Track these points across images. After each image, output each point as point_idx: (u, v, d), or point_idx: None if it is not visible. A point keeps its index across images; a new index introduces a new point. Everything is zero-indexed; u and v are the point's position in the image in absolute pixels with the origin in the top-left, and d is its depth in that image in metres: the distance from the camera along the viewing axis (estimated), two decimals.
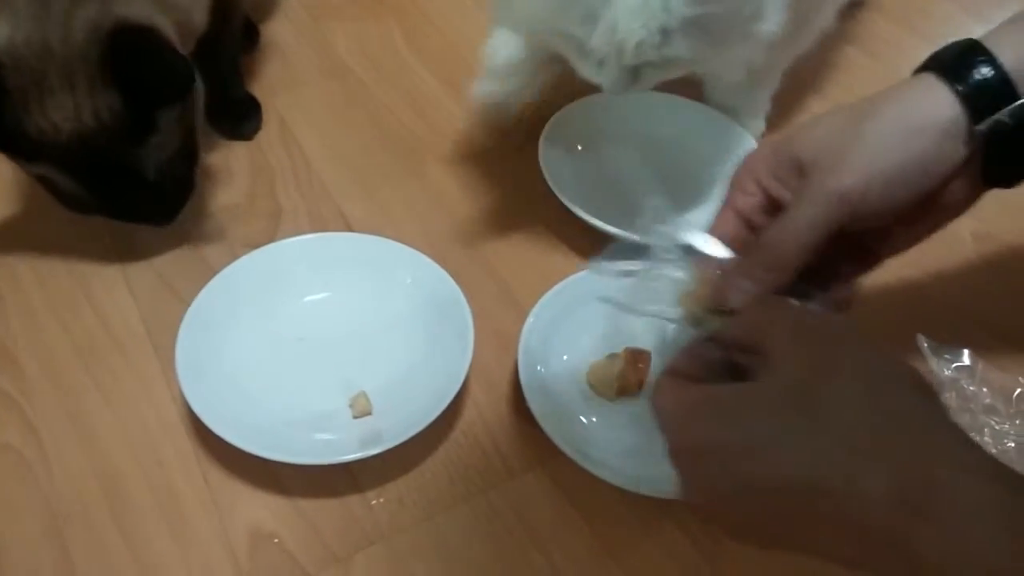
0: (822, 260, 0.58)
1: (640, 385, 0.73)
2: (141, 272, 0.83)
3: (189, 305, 0.75)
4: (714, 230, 0.61)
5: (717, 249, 0.60)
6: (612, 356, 0.74)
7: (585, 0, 0.69)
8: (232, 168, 0.93)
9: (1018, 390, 0.74)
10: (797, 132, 0.60)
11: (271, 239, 0.82)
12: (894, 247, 0.62)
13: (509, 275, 0.83)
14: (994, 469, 0.43)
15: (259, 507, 0.68)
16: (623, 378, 0.72)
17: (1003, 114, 0.57)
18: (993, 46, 0.58)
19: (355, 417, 0.71)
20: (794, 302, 0.57)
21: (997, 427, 0.72)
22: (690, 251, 0.60)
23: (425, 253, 0.80)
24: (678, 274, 0.59)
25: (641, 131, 0.95)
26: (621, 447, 0.69)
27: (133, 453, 0.70)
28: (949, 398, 0.72)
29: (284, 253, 0.80)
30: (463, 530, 0.67)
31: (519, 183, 0.91)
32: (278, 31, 1.10)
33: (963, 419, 0.71)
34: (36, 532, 0.66)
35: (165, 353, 0.74)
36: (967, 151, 0.58)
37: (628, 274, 0.61)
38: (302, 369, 0.74)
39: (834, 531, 0.44)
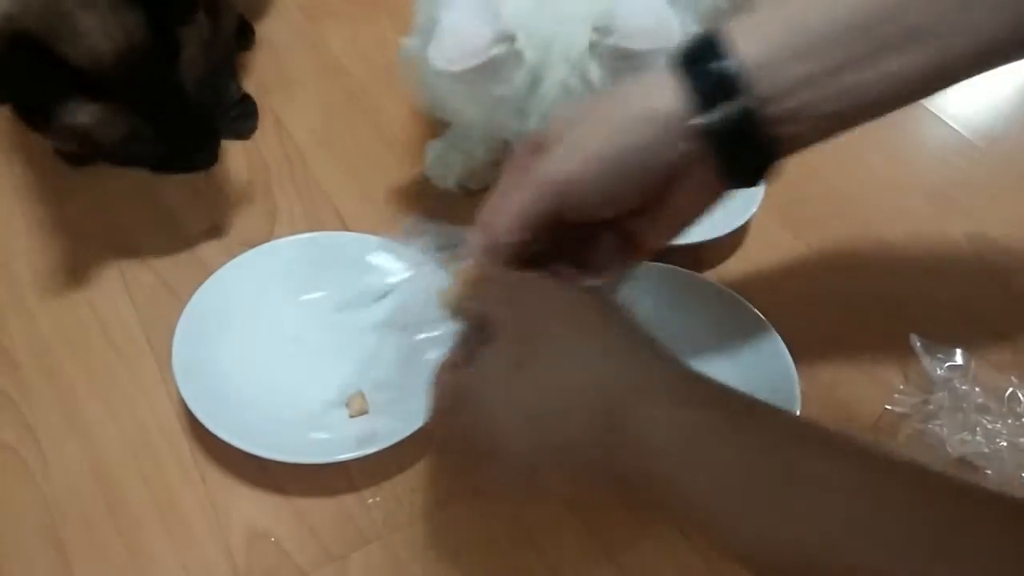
0: (589, 245, 0.59)
1: None
2: (138, 271, 0.83)
3: (186, 304, 0.75)
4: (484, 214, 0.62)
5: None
6: None
7: (513, 99, 0.70)
8: (228, 167, 0.93)
9: (1010, 389, 0.74)
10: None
11: (268, 238, 0.83)
12: (655, 238, 0.60)
13: None
14: (685, 391, 0.49)
15: (255, 506, 0.68)
16: None
17: (725, 109, 0.54)
18: (734, 37, 0.55)
19: (351, 416, 0.71)
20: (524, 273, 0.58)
21: (989, 426, 0.72)
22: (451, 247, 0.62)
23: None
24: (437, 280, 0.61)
25: None
26: None
27: (130, 452, 0.71)
28: (942, 397, 0.72)
29: (281, 252, 0.80)
30: (459, 529, 0.67)
31: None
32: (273, 30, 1.10)
33: (955, 418, 0.71)
34: (32, 531, 0.66)
35: (162, 352, 0.74)
36: (690, 146, 0.55)
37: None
38: (298, 368, 0.74)
39: (569, 469, 0.50)
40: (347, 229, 0.87)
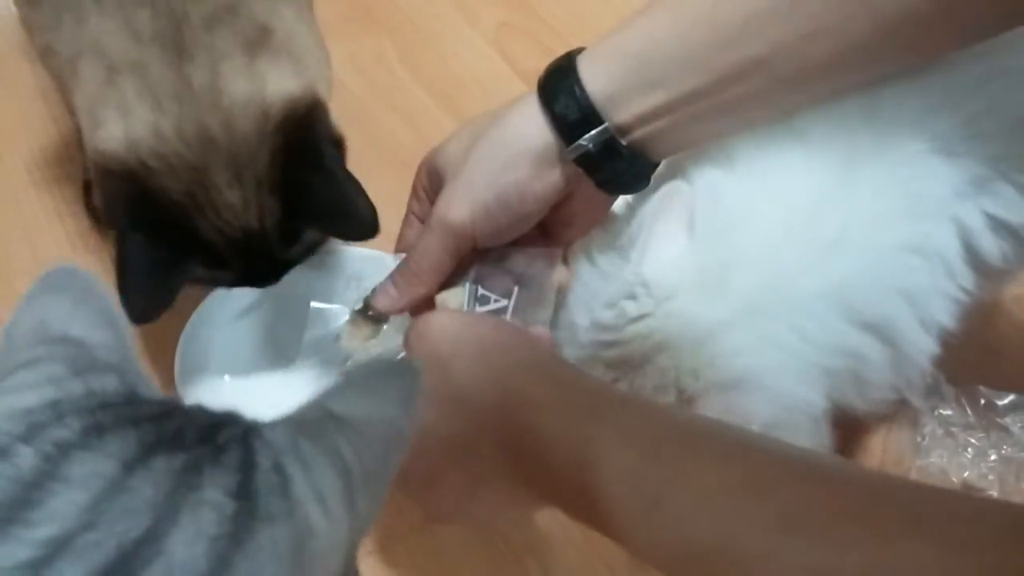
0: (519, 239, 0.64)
1: None
2: None
3: (187, 321, 0.74)
4: (402, 233, 0.69)
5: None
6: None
7: None
8: None
9: (983, 400, 0.75)
10: (440, 145, 0.65)
11: None
12: (570, 236, 0.66)
13: None
14: (569, 402, 0.50)
15: None
16: None
17: (586, 140, 0.59)
18: (586, 65, 0.59)
19: None
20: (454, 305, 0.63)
21: (978, 443, 0.74)
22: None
23: None
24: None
25: None
26: None
27: None
28: (932, 428, 0.73)
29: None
30: (460, 539, 0.68)
31: None
32: None
33: (948, 444, 0.72)
34: None
35: (165, 358, 0.74)
36: (568, 172, 0.61)
37: None
38: (303, 381, 0.74)
39: (504, 490, 0.52)
40: (344, 245, 0.87)
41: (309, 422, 0.36)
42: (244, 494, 0.32)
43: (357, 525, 0.35)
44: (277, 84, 0.63)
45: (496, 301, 0.64)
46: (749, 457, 0.45)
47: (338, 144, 0.67)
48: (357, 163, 0.97)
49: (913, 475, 0.72)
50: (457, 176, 0.62)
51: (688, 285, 0.60)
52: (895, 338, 0.61)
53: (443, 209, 0.62)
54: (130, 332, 0.41)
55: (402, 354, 0.58)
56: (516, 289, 0.64)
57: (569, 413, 0.49)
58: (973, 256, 0.63)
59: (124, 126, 0.61)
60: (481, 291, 0.64)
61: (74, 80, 0.64)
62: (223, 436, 0.34)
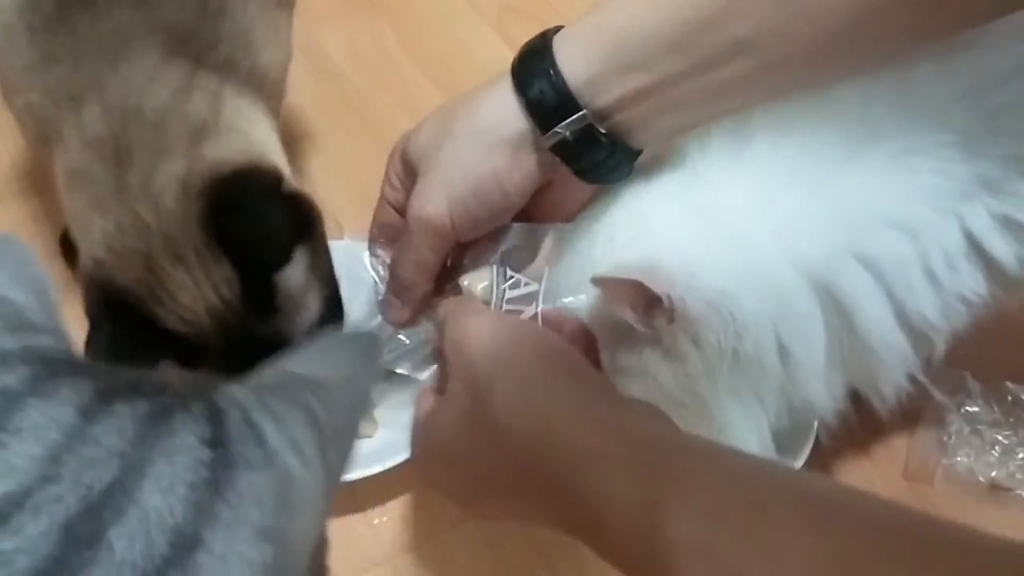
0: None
1: None
2: None
3: None
4: (375, 218, 0.66)
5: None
6: None
7: None
8: None
9: (1010, 396, 0.73)
10: (412, 131, 0.62)
11: None
12: (557, 218, 0.62)
13: None
14: (642, 462, 0.44)
15: None
16: None
17: (563, 127, 0.56)
18: (563, 46, 0.56)
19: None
20: (476, 304, 0.59)
21: (1005, 441, 0.71)
22: None
23: None
24: None
25: None
26: None
27: None
28: (958, 428, 0.70)
29: None
30: (469, 548, 0.66)
31: None
32: None
33: (975, 443, 0.70)
34: None
35: None
36: (545, 160, 0.58)
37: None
38: None
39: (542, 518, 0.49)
40: (344, 234, 0.84)
41: (272, 381, 0.35)
42: (218, 442, 0.30)
43: (330, 482, 0.34)
44: (204, 158, 0.60)
45: (527, 284, 0.60)
46: (831, 522, 0.41)
47: (288, 198, 0.62)
48: (355, 150, 0.95)
49: (939, 476, 0.70)
50: (430, 170, 0.59)
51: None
52: (851, 312, 0.58)
53: (419, 207, 0.59)
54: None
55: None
56: (547, 271, 0.60)
57: (626, 469, 0.44)
58: (982, 257, 0.60)
59: (83, 233, 0.62)
60: (509, 272, 0.61)
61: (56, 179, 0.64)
62: (182, 389, 0.32)
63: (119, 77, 0.61)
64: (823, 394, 0.60)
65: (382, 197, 0.66)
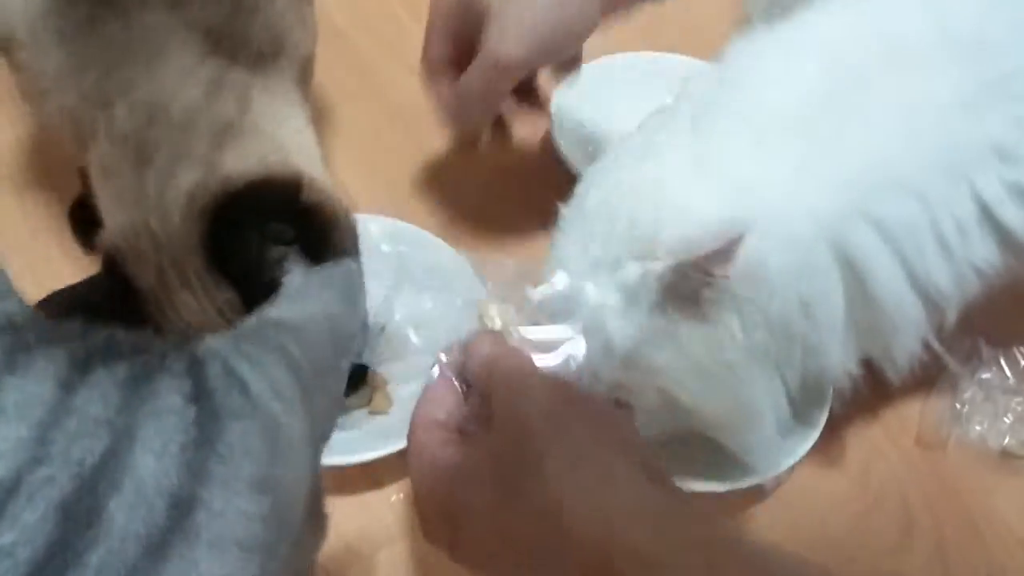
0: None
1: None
2: None
3: None
4: (439, 91, 0.71)
5: None
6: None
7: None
8: None
9: (1023, 363, 0.72)
10: None
11: None
12: None
13: (527, 257, 0.81)
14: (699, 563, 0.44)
15: None
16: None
17: None
18: None
19: (371, 413, 0.69)
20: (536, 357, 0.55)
21: (1019, 408, 0.71)
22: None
23: (437, 234, 0.77)
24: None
25: None
26: None
27: None
28: (972, 394, 0.71)
29: None
30: None
31: (528, 154, 0.89)
32: None
33: (988, 409, 0.70)
34: None
35: None
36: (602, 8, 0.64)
37: None
38: None
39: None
40: (352, 206, 0.83)
41: (247, 330, 0.35)
42: (202, 395, 0.30)
43: (318, 426, 0.34)
44: (219, 168, 0.59)
45: (560, 330, 0.57)
46: None
47: (304, 212, 0.60)
48: (362, 120, 0.94)
49: (951, 445, 0.70)
50: (506, 9, 0.62)
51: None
52: (863, 273, 0.58)
53: (495, 47, 0.63)
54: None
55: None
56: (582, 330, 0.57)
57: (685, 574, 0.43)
58: (994, 226, 0.60)
59: (108, 218, 0.62)
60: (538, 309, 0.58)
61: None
62: (158, 345, 0.32)
63: (153, 79, 0.61)
64: (840, 358, 0.60)
65: (432, 61, 0.71)
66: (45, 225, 0.81)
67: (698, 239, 0.53)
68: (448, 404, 0.53)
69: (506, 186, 0.87)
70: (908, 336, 0.61)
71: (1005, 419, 0.70)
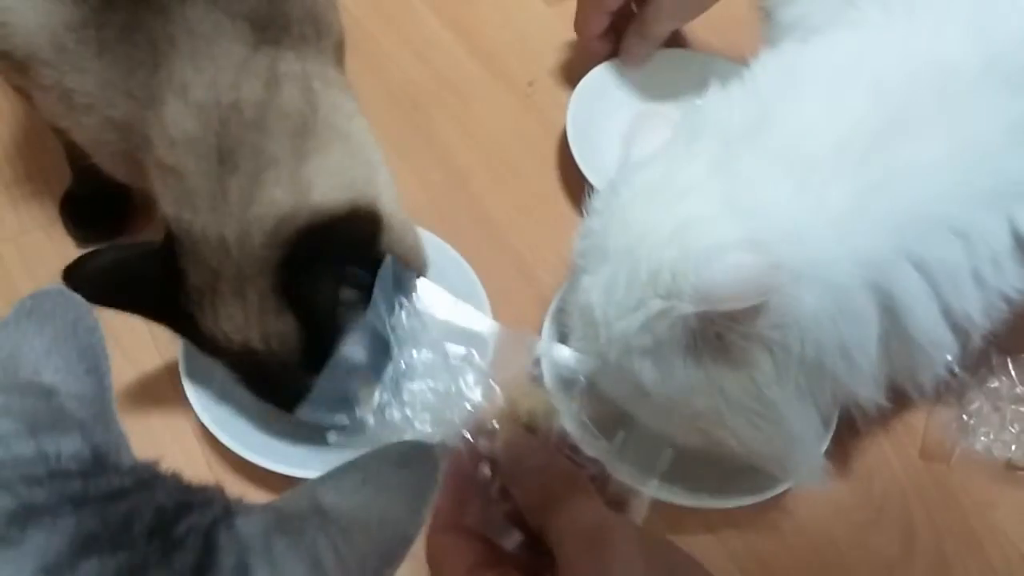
0: None
1: None
2: None
3: None
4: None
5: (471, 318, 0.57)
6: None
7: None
8: None
9: None
10: None
11: None
12: None
13: (528, 252, 0.80)
14: None
15: None
16: None
17: None
18: None
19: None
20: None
21: None
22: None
23: (433, 231, 0.76)
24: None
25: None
26: None
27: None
28: (979, 406, 0.69)
29: None
30: None
31: (532, 141, 0.88)
32: None
33: (994, 420, 0.69)
34: None
35: (171, 352, 0.71)
36: None
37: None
38: None
39: None
40: None
41: (290, 514, 0.33)
42: None
43: None
44: (309, 192, 0.58)
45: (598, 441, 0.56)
46: None
47: (380, 257, 0.58)
48: (370, 107, 0.91)
49: (956, 457, 0.69)
50: None
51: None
52: (901, 313, 0.57)
53: None
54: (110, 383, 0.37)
55: None
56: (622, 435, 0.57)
57: None
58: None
59: (171, 213, 0.61)
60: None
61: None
62: (184, 525, 0.30)
63: (203, 73, 0.60)
64: (872, 392, 0.60)
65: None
66: (35, 217, 0.81)
67: (730, 287, 0.52)
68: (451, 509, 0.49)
69: (509, 175, 0.86)
70: (937, 364, 0.61)
71: (1011, 428, 0.69)
